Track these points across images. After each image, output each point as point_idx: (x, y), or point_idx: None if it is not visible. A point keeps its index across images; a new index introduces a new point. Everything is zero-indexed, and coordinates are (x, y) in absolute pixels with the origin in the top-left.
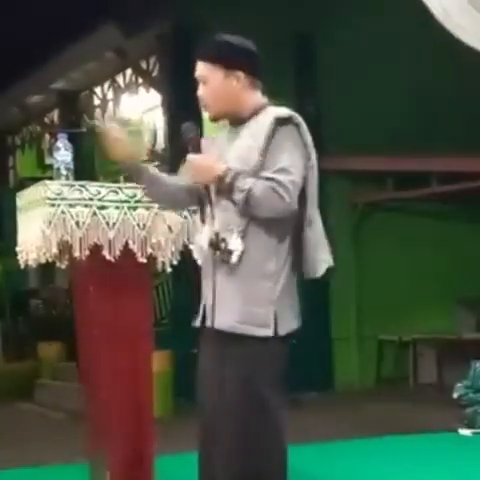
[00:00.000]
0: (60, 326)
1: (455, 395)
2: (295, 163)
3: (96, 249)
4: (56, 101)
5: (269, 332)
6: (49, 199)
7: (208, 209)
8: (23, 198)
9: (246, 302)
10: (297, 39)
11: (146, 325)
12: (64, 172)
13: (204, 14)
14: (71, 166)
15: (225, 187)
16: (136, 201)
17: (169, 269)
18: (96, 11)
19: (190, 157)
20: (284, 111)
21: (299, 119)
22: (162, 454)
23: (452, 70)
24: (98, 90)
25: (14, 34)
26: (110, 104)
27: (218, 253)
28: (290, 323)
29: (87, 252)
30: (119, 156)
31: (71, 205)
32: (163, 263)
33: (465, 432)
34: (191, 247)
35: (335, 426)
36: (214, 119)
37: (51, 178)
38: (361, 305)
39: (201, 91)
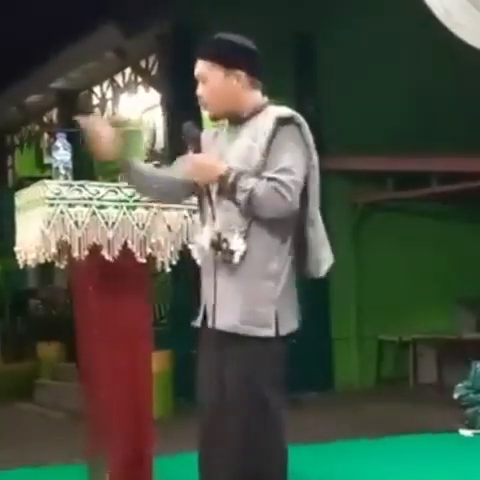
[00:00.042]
0: (59, 326)
1: (456, 396)
2: (297, 163)
3: (95, 249)
4: (55, 100)
5: (271, 332)
6: (48, 199)
7: (208, 209)
8: (22, 198)
9: (248, 302)
10: (297, 39)
11: (145, 325)
12: (63, 171)
13: (204, 14)
14: (70, 165)
15: (227, 187)
16: (135, 200)
17: (168, 269)
18: (96, 11)
19: (192, 156)
20: (285, 111)
21: (300, 119)
22: (162, 454)
23: (452, 70)
24: (97, 89)
25: (14, 34)
26: (109, 103)
27: (220, 253)
28: (291, 323)
29: (86, 252)
30: (104, 155)
31: (70, 205)
32: (162, 263)
33: (466, 433)
34: (190, 247)
35: (335, 426)
36: (214, 118)
37: (50, 177)
38: (361, 305)
39: (200, 90)
